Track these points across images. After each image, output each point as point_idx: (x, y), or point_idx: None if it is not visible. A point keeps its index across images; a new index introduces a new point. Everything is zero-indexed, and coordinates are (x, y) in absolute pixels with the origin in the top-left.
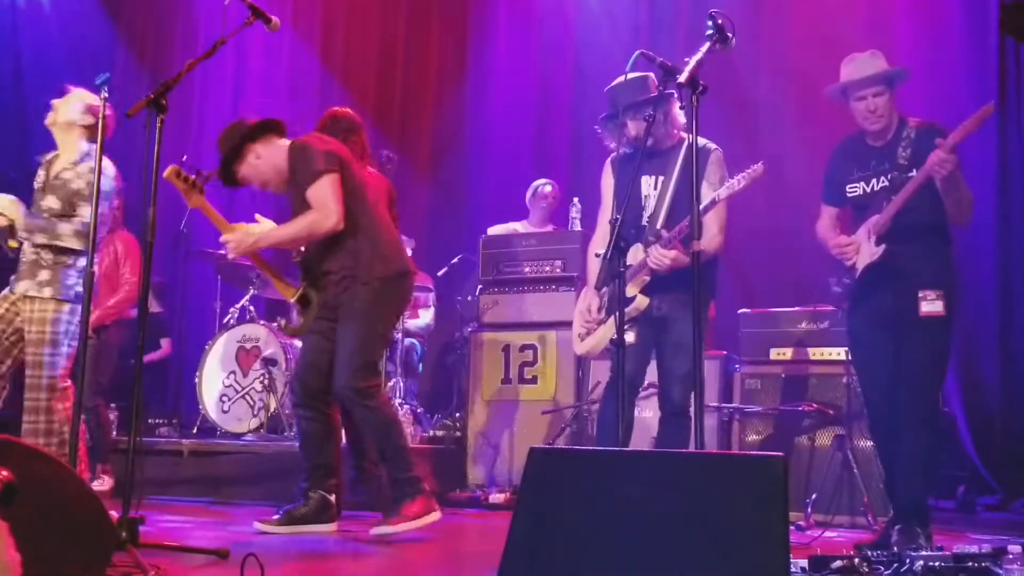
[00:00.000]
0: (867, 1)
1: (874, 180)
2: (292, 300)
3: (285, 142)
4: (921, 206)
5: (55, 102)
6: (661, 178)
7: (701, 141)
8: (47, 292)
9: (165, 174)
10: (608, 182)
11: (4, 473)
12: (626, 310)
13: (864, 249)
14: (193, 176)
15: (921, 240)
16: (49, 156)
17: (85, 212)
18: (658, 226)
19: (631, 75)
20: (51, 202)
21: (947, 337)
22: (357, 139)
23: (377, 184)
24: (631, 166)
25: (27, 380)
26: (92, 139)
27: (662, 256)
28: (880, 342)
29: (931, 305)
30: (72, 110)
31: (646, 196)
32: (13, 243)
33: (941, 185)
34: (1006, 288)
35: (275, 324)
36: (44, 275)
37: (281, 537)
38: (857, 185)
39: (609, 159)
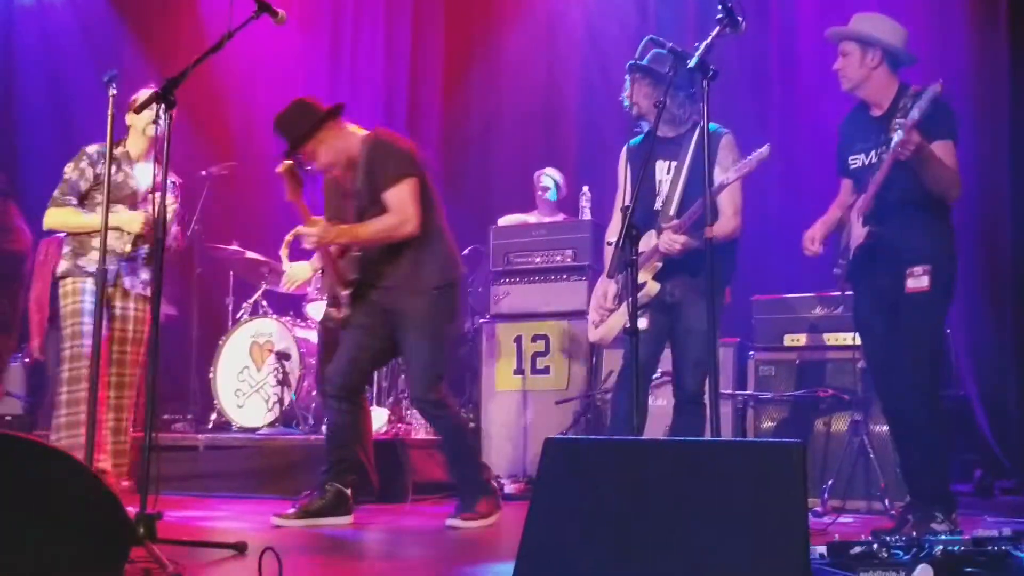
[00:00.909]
0: None
1: (872, 152)
2: (345, 292)
3: (353, 129)
4: (903, 182)
5: (152, 113)
6: (674, 163)
7: (712, 126)
8: (149, 293)
9: (281, 169)
10: (624, 169)
11: None
12: (637, 296)
13: (854, 231)
14: (300, 173)
15: (908, 216)
16: (118, 152)
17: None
18: (671, 211)
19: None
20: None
21: (938, 313)
22: None
23: None
24: (644, 152)
25: (114, 378)
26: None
27: (672, 241)
28: (877, 324)
29: (916, 281)
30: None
31: (660, 181)
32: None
33: (914, 165)
34: (1020, 265)
35: (323, 312)
36: (145, 276)
37: (298, 530)
38: (857, 157)
39: (626, 146)
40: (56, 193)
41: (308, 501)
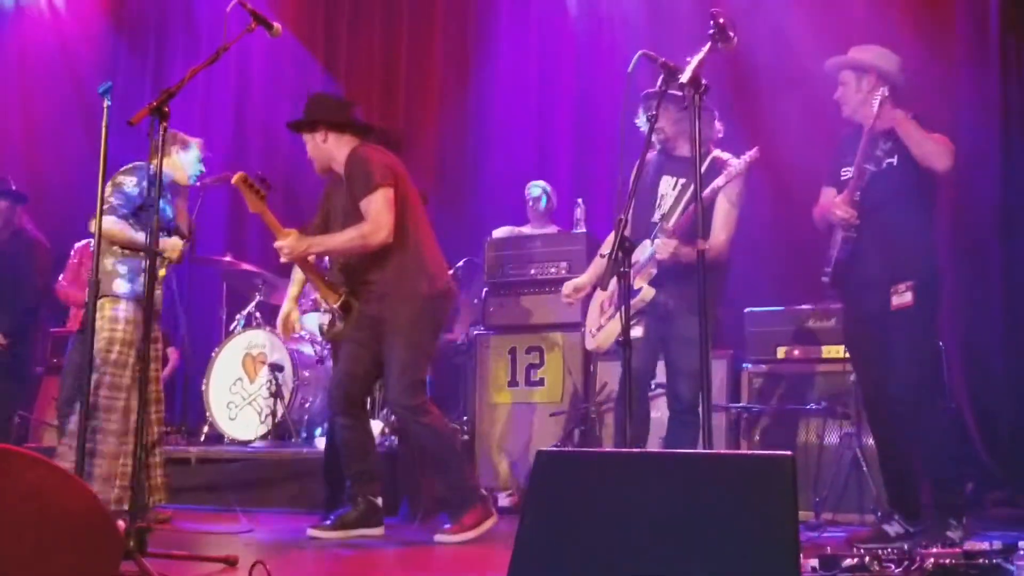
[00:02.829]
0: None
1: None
2: (335, 306)
3: (353, 142)
4: (883, 189)
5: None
6: (682, 181)
7: (725, 156)
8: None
9: (234, 180)
10: (633, 177)
11: None
12: (632, 302)
13: (835, 237)
14: (258, 184)
15: (888, 230)
16: (169, 182)
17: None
18: (669, 225)
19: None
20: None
21: (928, 323)
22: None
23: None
24: (652, 167)
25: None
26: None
27: (666, 244)
28: (865, 341)
29: (901, 298)
30: None
31: (663, 195)
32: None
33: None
34: (1010, 278)
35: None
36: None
37: (287, 544)
38: (849, 169)
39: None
40: (115, 202)
41: (342, 513)
